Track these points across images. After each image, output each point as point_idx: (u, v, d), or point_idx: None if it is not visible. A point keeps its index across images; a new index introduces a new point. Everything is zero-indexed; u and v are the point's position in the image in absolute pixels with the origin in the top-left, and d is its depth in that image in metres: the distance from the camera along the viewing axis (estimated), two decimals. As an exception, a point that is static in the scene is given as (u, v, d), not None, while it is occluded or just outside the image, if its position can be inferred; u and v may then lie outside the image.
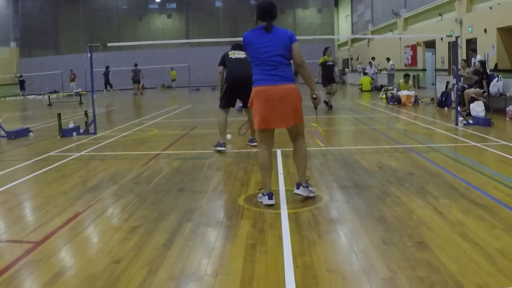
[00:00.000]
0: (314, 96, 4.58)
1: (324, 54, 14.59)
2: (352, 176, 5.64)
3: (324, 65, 14.47)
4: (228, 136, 8.15)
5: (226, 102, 7.69)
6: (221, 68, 7.69)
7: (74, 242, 3.73)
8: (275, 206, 4.48)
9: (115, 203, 4.85)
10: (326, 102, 14.29)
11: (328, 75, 14.58)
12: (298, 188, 4.61)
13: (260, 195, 4.61)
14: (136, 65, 29.01)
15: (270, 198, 4.47)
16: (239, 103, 8.34)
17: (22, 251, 3.51)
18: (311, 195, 4.63)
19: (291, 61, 4.57)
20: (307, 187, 4.63)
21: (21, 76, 32.33)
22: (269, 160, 4.57)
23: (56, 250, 3.54)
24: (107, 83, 27.31)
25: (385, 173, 5.74)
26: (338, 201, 4.66)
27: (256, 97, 4.46)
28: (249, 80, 7.73)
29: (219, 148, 7.50)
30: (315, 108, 4.76)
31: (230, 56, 7.59)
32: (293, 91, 4.43)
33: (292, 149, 4.76)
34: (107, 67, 27.58)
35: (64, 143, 8.94)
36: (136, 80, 28.43)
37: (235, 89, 7.51)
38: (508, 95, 11.78)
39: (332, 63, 14.55)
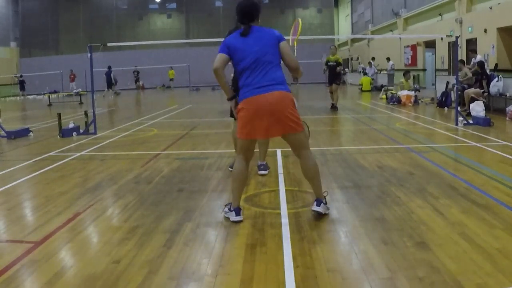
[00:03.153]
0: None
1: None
2: (352, 176, 5.64)
3: (326, 64, 14.39)
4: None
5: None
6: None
7: (74, 242, 3.73)
8: (275, 206, 4.48)
9: (115, 203, 4.85)
10: (333, 105, 14.22)
11: (328, 75, 14.54)
12: (318, 205, 4.08)
13: (226, 210, 4.16)
14: (109, 67, 28.04)
15: (237, 214, 4.04)
16: None
17: (22, 251, 3.51)
18: (327, 211, 4.20)
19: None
20: (326, 203, 4.19)
21: (21, 76, 32.32)
22: (246, 173, 4.13)
23: (56, 250, 3.54)
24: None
25: (385, 173, 5.74)
26: (338, 201, 4.65)
27: (244, 107, 3.95)
28: None
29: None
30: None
31: None
32: (285, 98, 3.92)
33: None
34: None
35: (64, 143, 8.94)
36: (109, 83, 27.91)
37: None
38: (508, 95, 11.79)
39: (334, 63, 14.09)
